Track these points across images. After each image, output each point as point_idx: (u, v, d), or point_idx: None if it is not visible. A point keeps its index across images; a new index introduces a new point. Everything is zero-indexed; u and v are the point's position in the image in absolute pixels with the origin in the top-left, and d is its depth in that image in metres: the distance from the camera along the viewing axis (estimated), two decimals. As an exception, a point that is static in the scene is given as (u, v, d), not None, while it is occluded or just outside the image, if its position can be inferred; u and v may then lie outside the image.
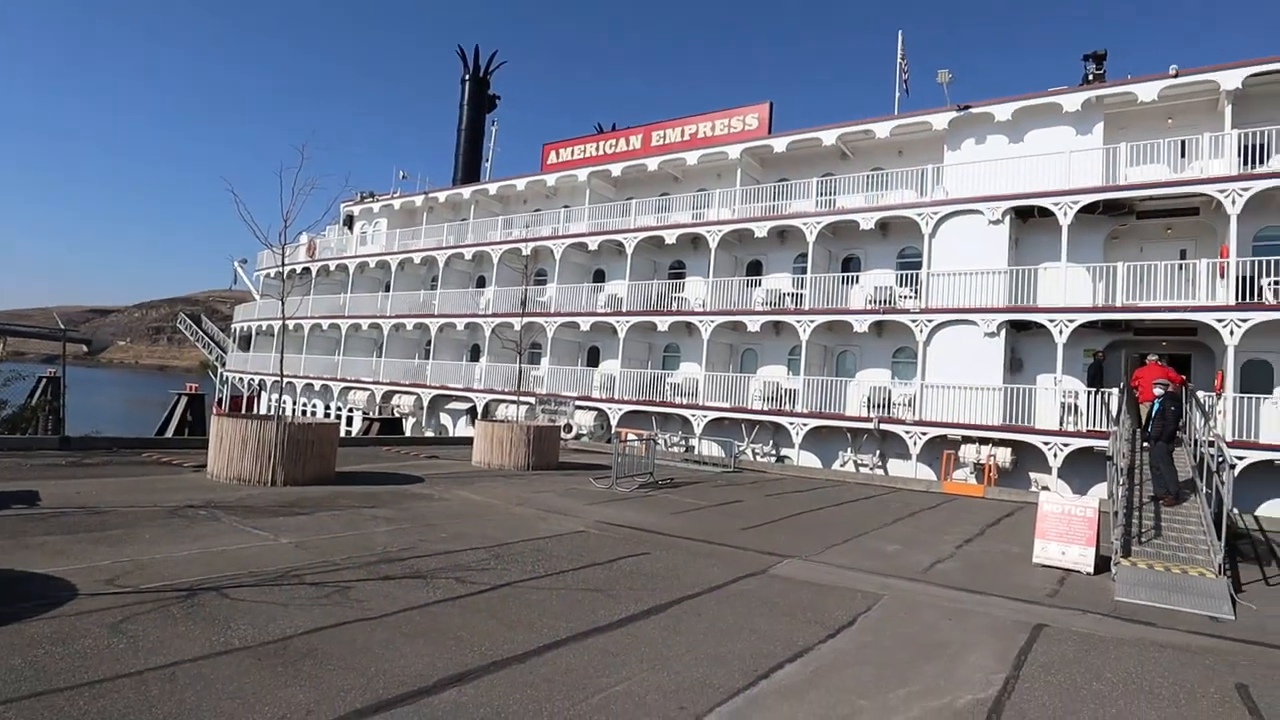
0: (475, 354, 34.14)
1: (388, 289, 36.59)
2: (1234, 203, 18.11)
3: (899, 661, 6.04)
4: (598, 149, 30.89)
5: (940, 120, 22.82)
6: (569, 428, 25.89)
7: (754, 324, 24.46)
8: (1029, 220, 21.47)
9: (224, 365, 46.19)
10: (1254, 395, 18.12)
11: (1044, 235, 20.82)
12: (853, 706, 5.10)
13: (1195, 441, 12.59)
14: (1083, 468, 18.85)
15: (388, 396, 33.98)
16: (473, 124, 43.01)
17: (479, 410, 30.04)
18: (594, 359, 30.58)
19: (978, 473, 19.92)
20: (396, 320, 34.81)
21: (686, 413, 25.00)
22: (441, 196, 37.29)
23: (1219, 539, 9.35)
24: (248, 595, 6.36)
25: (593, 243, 29.11)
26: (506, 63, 45.05)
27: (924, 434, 20.73)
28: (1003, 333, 20.49)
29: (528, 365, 29.85)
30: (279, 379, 14.09)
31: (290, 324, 34.52)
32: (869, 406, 22.21)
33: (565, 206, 31.58)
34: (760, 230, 24.92)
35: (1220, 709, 5.42)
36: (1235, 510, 16.23)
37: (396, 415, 32.95)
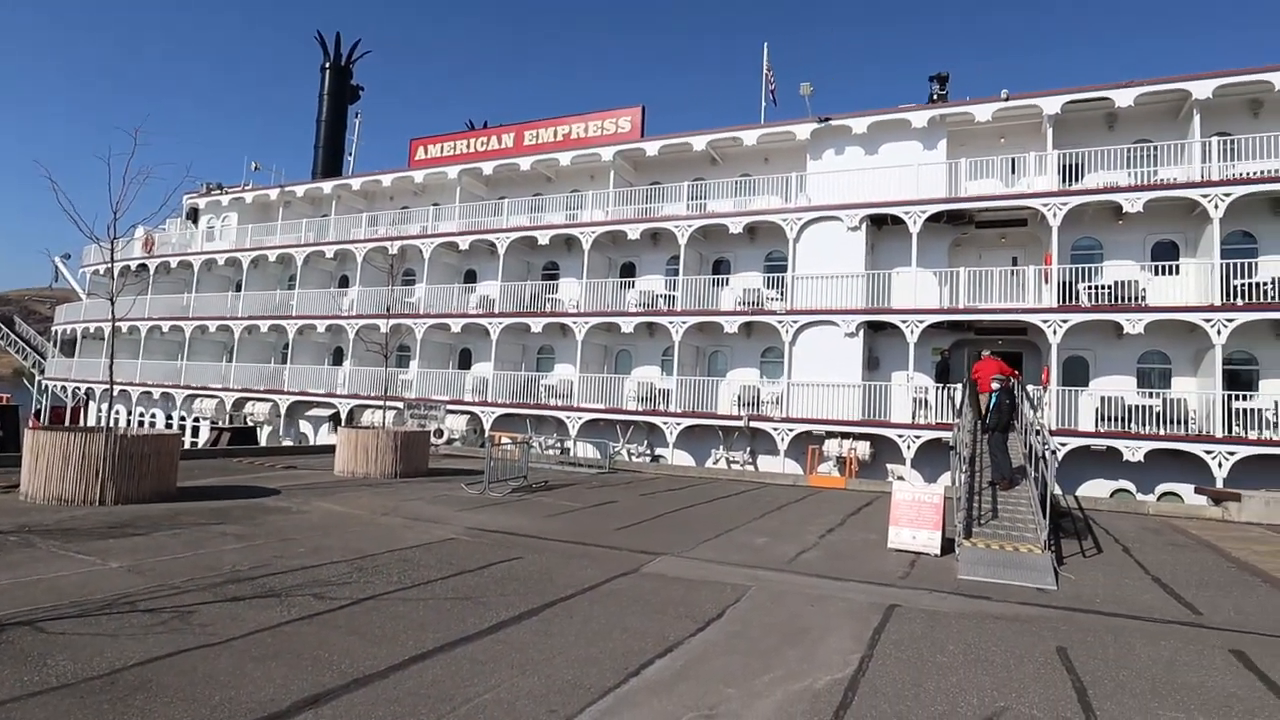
0: (338, 357, 32.44)
1: (239, 288, 34.03)
2: (1055, 216, 20.11)
3: (764, 649, 6.22)
4: (468, 146, 30.15)
5: (803, 130, 23.93)
6: (440, 433, 25.11)
7: (628, 325, 24.70)
8: (883, 227, 22.92)
9: (43, 373, 41.43)
10: (1074, 388, 20.22)
11: (896, 241, 22.29)
12: (720, 695, 5.20)
13: (1025, 430, 13.82)
14: (933, 457, 20.31)
15: (240, 404, 31.64)
16: (334, 115, 40.50)
17: (343, 417, 28.55)
18: (466, 361, 29.84)
19: (840, 466, 21.02)
20: (250, 322, 32.48)
21: (562, 415, 24.87)
22: (300, 190, 35.07)
23: (1044, 518, 10.31)
24: (69, 627, 5.68)
25: (464, 242, 28.39)
26: (371, 52, 43.09)
27: (791, 430, 21.66)
28: (861, 333, 21.76)
29: (395, 369, 28.69)
30: (109, 386, 12.73)
31: (123, 326, 31.46)
32: (739, 405, 22.95)
33: (434, 204, 30.62)
34: (633, 232, 25.20)
35: (1043, 670, 5.94)
36: (1059, 492, 18.04)
37: (250, 424, 30.71)
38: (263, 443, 29.59)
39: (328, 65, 40.54)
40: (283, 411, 30.63)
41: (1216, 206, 18.88)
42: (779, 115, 26.18)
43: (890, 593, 8.33)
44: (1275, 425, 18.45)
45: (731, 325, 23.32)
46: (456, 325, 27.73)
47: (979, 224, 22.39)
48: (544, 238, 26.78)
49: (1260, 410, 18.68)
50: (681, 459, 23.61)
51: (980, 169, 22.17)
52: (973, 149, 22.70)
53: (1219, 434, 18.23)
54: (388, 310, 21.31)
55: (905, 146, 23.01)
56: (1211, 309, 18.68)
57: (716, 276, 25.19)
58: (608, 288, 25.84)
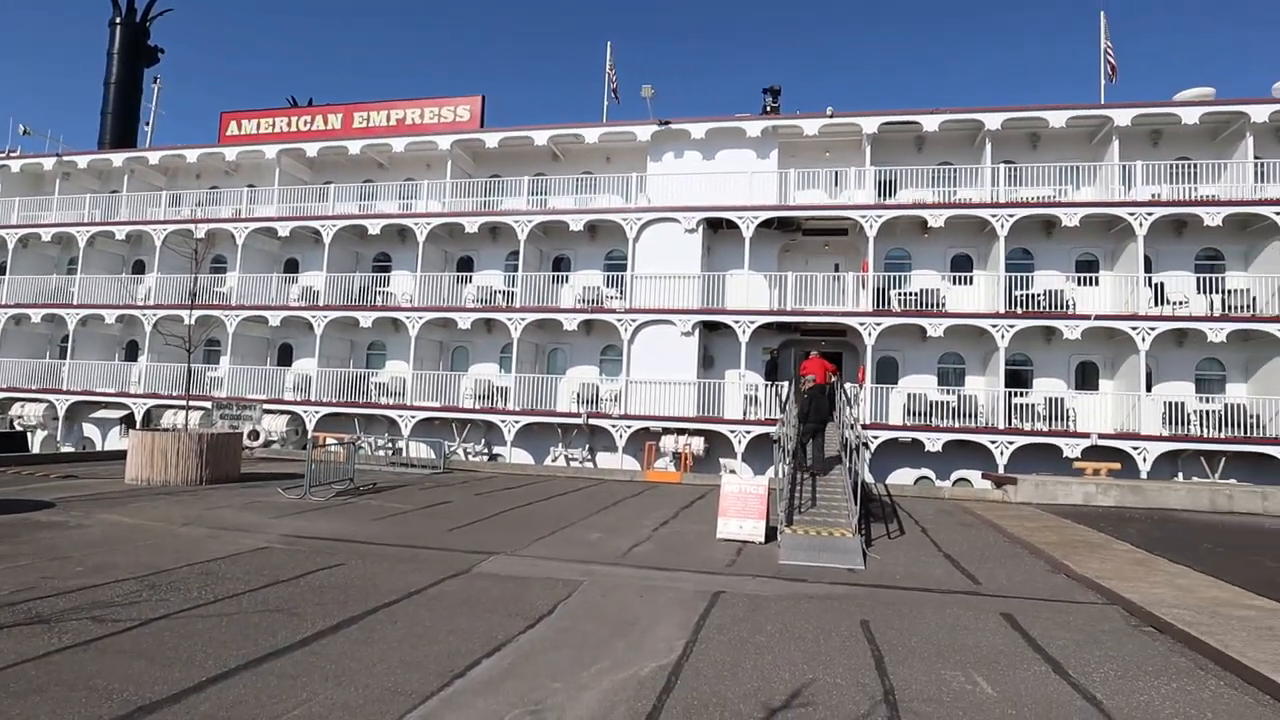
0: (132, 352, 29.00)
1: (2, 271, 29.40)
2: (872, 227, 21.85)
3: (594, 641, 6.25)
4: (290, 125, 27.89)
5: (644, 132, 24.38)
6: (256, 435, 23.15)
7: (465, 321, 24.00)
8: (719, 231, 23.84)
9: None
10: (886, 386, 22.08)
11: (731, 245, 23.27)
12: (547, 690, 5.17)
13: (842, 425, 14.88)
14: (764, 451, 21.36)
15: (5, 406, 27.47)
16: (126, 78, 34.45)
17: (138, 419, 25.58)
18: (286, 357, 27.68)
19: (676, 461, 21.62)
20: (17, 310, 28.26)
21: (394, 413, 23.74)
22: (82, 161, 30.57)
23: (856, 505, 11.15)
24: None
25: (284, 228, 26.28)
26: (173, 10, 38.72)
27: (629, 427, 22.00)
28: (697, 332, 22.51)
29: (203, 365, 26.14)
30: None
31: None
32: (579, 402, 23.01)
33: (250, 186, 28.09)
34: (472, 226, 24.53)
35: (848, 642, 6.41)
36: (871, 480, 19.60)
37: (18, 428, 26.71)
38: (35, 449, 25.88)
39: (119, 20, 35.31)
40: (61, 414, 26.95)
41: (1002, 226, 21.34)
42: (621, 116, 26.52)
43: (717, 580, 8.64)
44: (1045, 418, 21.14)
45: (571, 323, 23.33)
46: (275, 318, 25.65)
47: (806, 231, 23.88)
48: (375, 227, 25.40)
49: (1033, 405, 21.35)
50: (520, 458, 23.30)
51: (808, 180, 23.67)
52: (802, 160, 24.17)
53: (1001, 426, 20.61)
54: (192, 300, 19.23)
55: (740, 154, 24.07)
56: (997, 316, 21.08)
57: (557, 274, 25.08)
58: (444, 282, 24.97)
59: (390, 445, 23.27)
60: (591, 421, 22.39)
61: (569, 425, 23.05)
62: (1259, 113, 21.00)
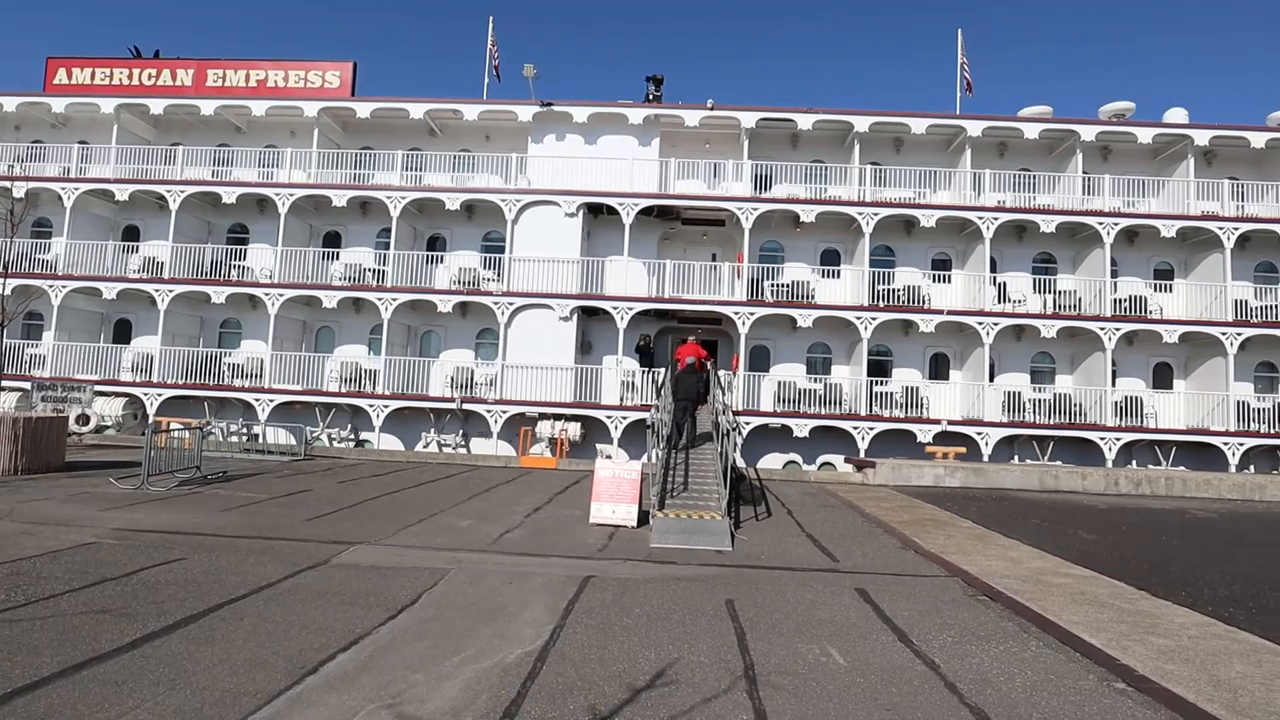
0: (-64, 325, 25.50)
1: None
2: (748, 219, 22.46)
3: (458, 630, 6.09)
4: (131, 77, 25.09)
5: (525, 112, 23.87)
6: (86, 419, 20.96)
7: (331, 300, 22.69)
8: (599, 216, 23.75)
9: None
10: (758, 373, 22.84)
11: (611, 230, 23.26)
12: (407, 682, 4.99)
13: (715, 411, 15.26)
14: (640, 437, 21.53)
15: None
16: None
17: (-58, 399, 22.53)
18: (124, 334, 25.16)
19: (552, 446, 21.46)
20: None
21: (250, 396, 22.15)
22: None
23: (725, 488, 11.46)
24: None
25: (122, 191, 23.76)
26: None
27: (505, 412, 21.62)
28: (575, 317, 22.37)
29: (21, 340, 23.39)
30: None
31: None
32: (453, 386, 22.36)
33: (82, 143, 25.17)
34: (340, 199, 23.18)
35: (713, 622, 6.56)
36: (743, 464, 20.24)
37: None
38: None
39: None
40: None
41: (868, 223, 22.52)
42: (502, 94, 25.86)
43: (588, 565, 8.62)
44: (902, 405, 22.58)
45: (446, 304, 22.57)
46: (111, 290, 23.22)
47: (685, 220, 24.22)
48: (231, 196, 23.48)
49: (892, 394, 22.74)
50: (389, 444, 22.38)
51: (688, 170, 24.00)
52: (682, 150, 24.46)
53: (863, 413, 21.84)
54: (4, 269, 17.00)
55: (622, 141, 24.05)
56: (861, 309, 22.27)
57: (431, 253, 24.13)
58: (308, 257, 23.50)
59: (245, 431, 21.75)
60: (466, 406, 21.81)
61: (442, 410, 22.35)
62: (1088, 132, 23.24)
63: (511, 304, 22.28)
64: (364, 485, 14.64)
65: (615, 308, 22.12)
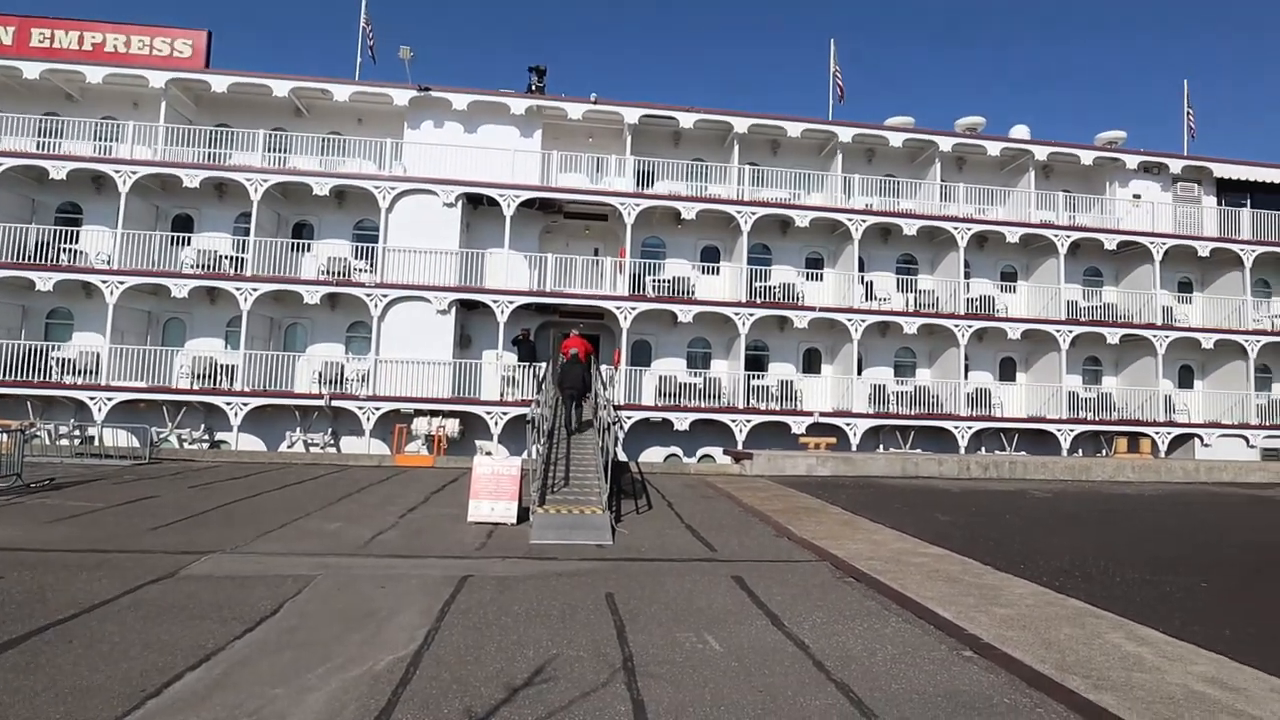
0: None
1: None
2: (630, 214, 22.56)
3: (324, 639, 5.77)
4: (-66, 33, 22.01)
5: (401, 96, 22.89)
6: (-120, 420, 18.30)
7: (182, 289, 20.85)
8: (479, 207, 23.15)
9: None
10: (639, 368, 23.00)
11: (491, 223, 22.72)
12: (265, 698, 4.68)
13: (597, 406, 15.24)
14: (521, 433, 21.21)
15: None
16: None
17: None
18: (-71, 325, 22.15)
19: (429, 444, 20.76)
20: None
21: (83, 395, 20.02)
22: None
23: (606, 482, 11.46)
24: None
25: (-79, 161, 20.83)
26: None
27: (378, 409, 20.68)
28: (454, 310, 21.71)
29: None
30: None
31: None
32: (321, 383, 21.15)
33: (-125, 105, 21.90)
34: (192, 180, 21.32)
35: (593, 616, 6.53)
36: (625, 458, 20.37)
37: None
38: None
39: None
40: None
41: (746, 222, 23.17)
42: (377, 76, 24.61)
43: (465, 564, 8.39)
44: (778, 398, 23.43)
45: (314, 296, 21.28)
46: (-91, 275, 20.36)
47: (567, 214, 24.03)
48: (60, 171, 21.07)
49: (768, 387, 23.56)
50: (250, 444, 20.89)
51: (570, 163, 23.81)
52: (565, 143, 24.23)
53: (741, 406, 22.49)
54: None
55: (504, 131, 23.54)
56: (740, 305, 22.90)
57: (297, 241, 22.69)
58: (154, 241, 21.49)
59: (79, 433, 19.71)
60: (335, 403, 20.67)
61: (309, 408, 21.09)
62: (945, 143, 24.96)
63: (386, 296, 21.33)
64: (220, 489, 13.61)
65: (496, 301, 21.66)
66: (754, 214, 23.24)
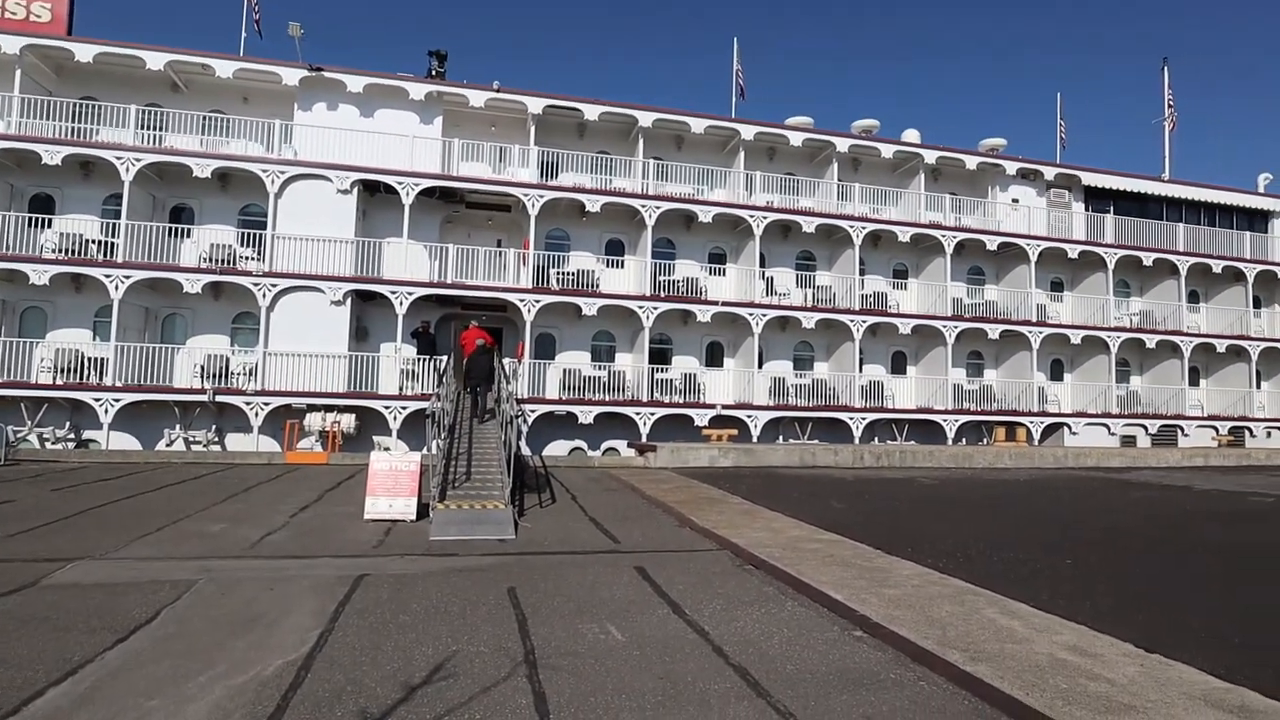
0: None
1: None
2: (534, 206, 22.30)
3: (206, 646, 5.45)
4: None
5: (291, 75, 21.73)
6: None
7: (41, 275, 19.06)
8: (376, 195, 22.31)
9: None
10: (544, 361, 22.81)
11: (389, 211, 21.94)
12: (138, 710, 4.40)
13: (500, 398, 15.02)
14: (421, 428, 20.63)
15: None
16: None
17: None
18: None
19: (323, 440, 19.91)
20: None
21: (-73, 391, 18.08)
22: None
23: (509, 476, 11.33)
24: None
25: None
26: None
27: (267, 404, 19.63)
28: (349, 301, 20.85)
29: None
30: None
31: None
32: (204, 377, 19.86)
33: None
34: (53, 156, 19.50)
35: (494, 611, 6.45)
36: (529, 452, 20.19)
37: None
38: None
39: None
40: None
41: (650, 216, 23.33)
42: (265, 53, 23.23)
43: (361, 563, 8.11)
44: (681, 391, 23.76)
45: (194, 285, 19.93)
46: None
47: (469, 204, 23.50)
48: (-103, 144, 18.91)
49: (672, 380, 23.84)
50: (123, 443, 19.38)
51: (473, 152, 23.29)
52: (466, 132, 23.67)
53: (645, 399, 22.67)
54: None
55: (402, 116, 22.75)
56: (644, 298, 23.06)
57: (176, 226, 21.16)
58: (8, 223, 19.61)
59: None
60: (220, 399, 19.46)
61: (191, 404, 19.76)
62: (842, 144, 25.93)
63: (275, 285, 20.25)
64: (88, 492, 12.60)
65: (394, 292, 20.96)
66: (658, 208, 23.44)
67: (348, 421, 19.92)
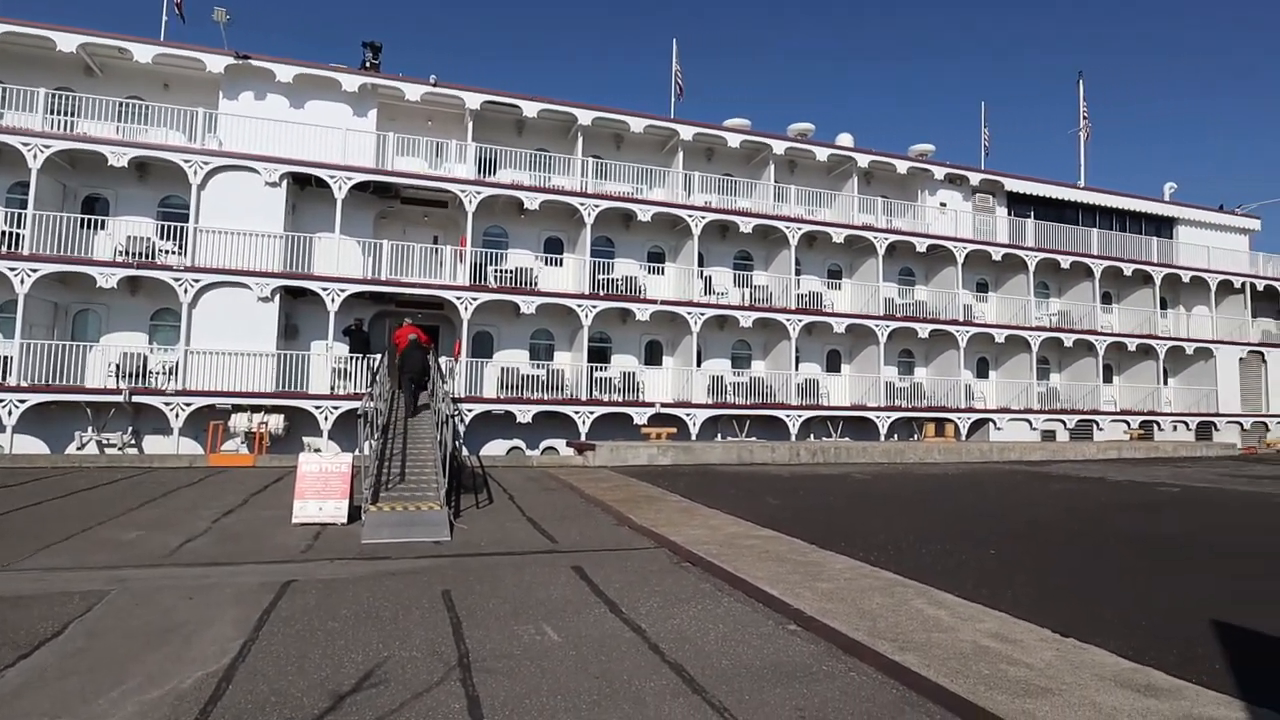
0: None
1: None
2: (471, 202, 21.95)
3: (119, 660, 5.18)
4: None
5: (216, 63, 20.84)
6: None
7: (-61, 268, 17.84)
8: (306, 188, 21.60)
9: None
10: (481, 360, 22.49)
11: (321, 205, 21.27)
12: None
13: (436, 397, 14.73)
14: (353, 429, 20.05)
15: None
16: None
17: None
18: None
19: (250, 442, 19.17)
20: None
21: None
22: None
23: (444, 477, 11.13)
24: None
25: None
26: None
27: (188, 405, 18.78)
28: (278, 298, 20.12)
29: None
30: None
31: None
32: (119, 376, 18.85)
33: None
34: (-51, 142, 18.26)
35: (428, 614, 6.31)
36: (466, 452, 19.87)
37: None
38: None
39: None
40: None
41: (589, 214, 23.24)
42: (188, 39, 22.17)
43: (288, 569, 7.84)
44: (620, 390, 23.75)
45: (110, 279, 18.88)
46: None
47: (405, 200, 22.97)
48: None
49: (611, 379, 23.82)
50: (28, 446, 18.22)
51: (408, 146, 22.77)
52: (402, 126, 23.14)
53: (584, 398, 22.59)
54: None
55: (334, 108, 22.09)
56: (583, 297, 22.97)
57: (89, 217, 20.01)
58: (-98, 213, 18.26)
59: None
60: (137, 399, 18.52)
61: (105, 405, 18.74)
62: (779, 147, 26.36)
63: (198, 281, 19.38)
64: (-11, 498, 11.83)
65: (326, 289, 20.34)
66: (597, 207, 23.39)
67: (276, 422, 19.23)
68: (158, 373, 19.26)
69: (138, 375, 18.93)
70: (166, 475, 15.32)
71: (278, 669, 5.05)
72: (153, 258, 19.61)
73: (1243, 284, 33.18)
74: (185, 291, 19.22)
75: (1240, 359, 32.40)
